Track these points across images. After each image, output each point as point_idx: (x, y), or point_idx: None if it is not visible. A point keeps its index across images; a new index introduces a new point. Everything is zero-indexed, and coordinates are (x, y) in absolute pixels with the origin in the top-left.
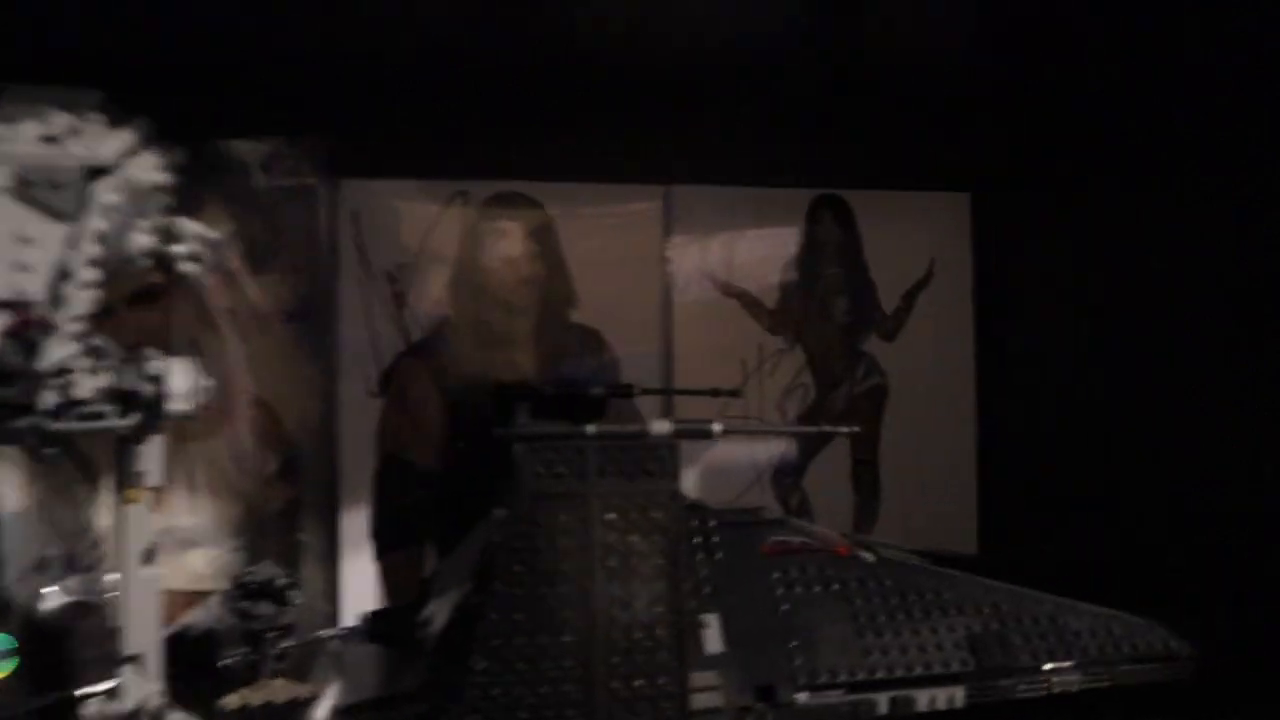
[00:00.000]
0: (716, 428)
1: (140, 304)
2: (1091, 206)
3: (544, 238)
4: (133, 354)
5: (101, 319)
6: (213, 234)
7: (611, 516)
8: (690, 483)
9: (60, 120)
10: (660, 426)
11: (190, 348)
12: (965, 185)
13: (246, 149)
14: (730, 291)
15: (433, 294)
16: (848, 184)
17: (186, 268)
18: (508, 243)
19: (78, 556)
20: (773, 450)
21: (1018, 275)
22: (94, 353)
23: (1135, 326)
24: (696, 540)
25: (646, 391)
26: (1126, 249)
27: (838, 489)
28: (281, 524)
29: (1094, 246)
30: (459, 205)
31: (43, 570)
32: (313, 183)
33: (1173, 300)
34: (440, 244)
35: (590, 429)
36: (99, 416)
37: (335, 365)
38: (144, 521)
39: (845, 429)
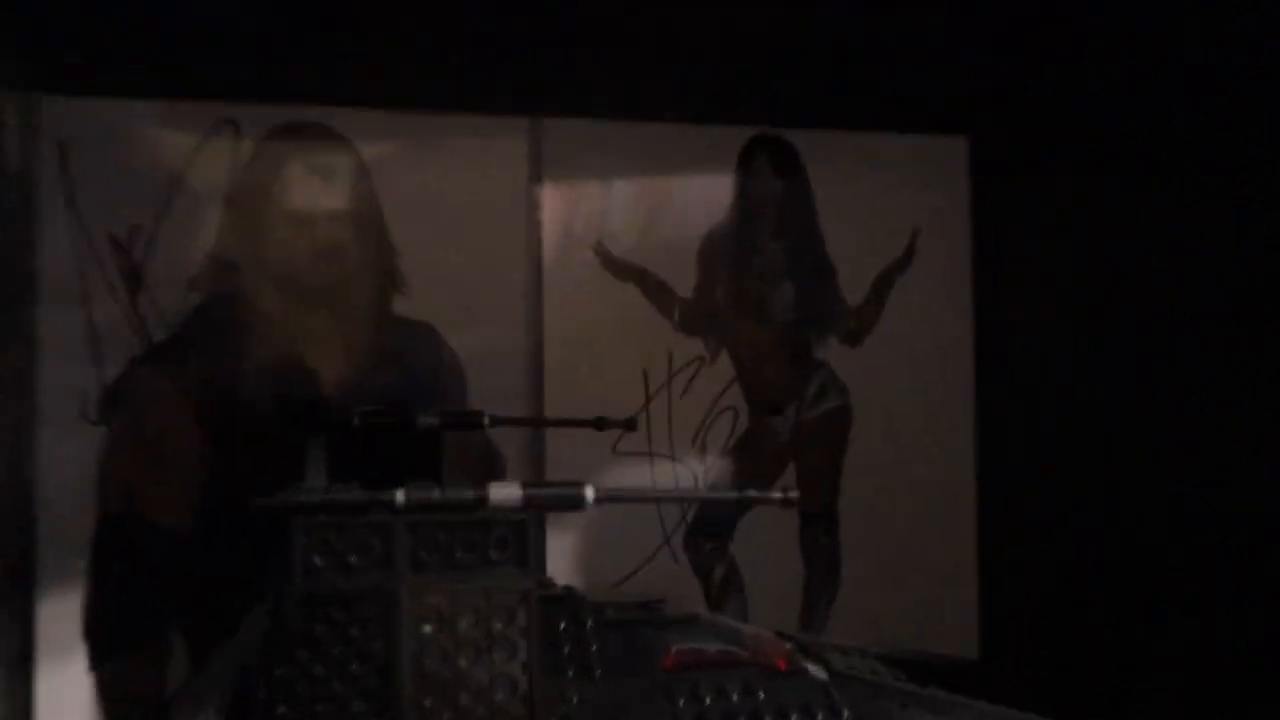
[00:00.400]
0: (589, 494)
1: None
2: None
3: (353, 190)
4: None
5: None
6: None
7: (428, 630)
8: (561, 552)
9: None
10: (504, 492)
11: None
12: (962, 125)
13: None
14: (626, 272)
15: (184, 270)
16: (795, 121)
17: None
18: (298, 195)
19: None
20: (686, 504)
21: (1036, 250)
22: None
23: (1192, 319)
24: (566, 652)
25: (503, 421)
26: (1189, 218)
27: (781, 558)
28: None
29: (1147, 217)
30: (226, 139)
31: None
32: None
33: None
34: (197, 196)
35: (398, 496)
36: None
37: (30, 377)
38: None
39: (780, 494)
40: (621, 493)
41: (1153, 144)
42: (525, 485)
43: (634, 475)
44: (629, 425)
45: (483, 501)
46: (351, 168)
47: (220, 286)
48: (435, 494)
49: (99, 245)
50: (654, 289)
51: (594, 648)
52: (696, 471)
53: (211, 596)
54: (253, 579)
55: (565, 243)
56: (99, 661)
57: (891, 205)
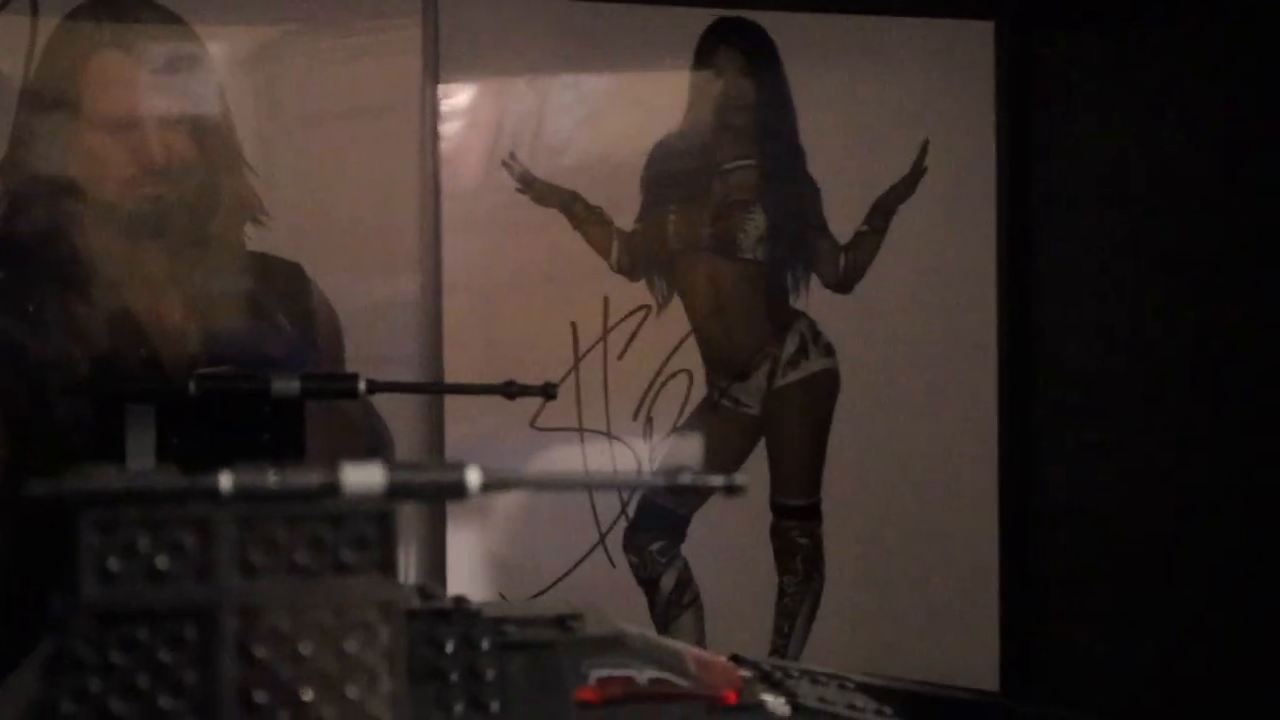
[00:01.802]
0: (472, 478)
1: None
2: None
3: (192, 86)
4: None
5: None
6: None
7: (261, 654)
8: (466, 554)
9: None
10: (361, 475)
11: None
12: (987, 6)
13: None
14: (549, 196)
15: None
16: (768, 3)
17: None
18: (120, 92)
19: None
20: (626, 493)
21: (1081, 170)
22: None
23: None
24: (453, 680)
25: (384, 387)
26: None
27: (747, 562)
28: None
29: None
30: (23, 14)
31: None
32: None
33: None
34: None
35: (223, 481)
36: None
37: None
38: None
39: (722, 479)
40: (515, 478)
41: (1235, 25)
42: (389, 467)
43: (559, 458)
44: (548, 393)
45: (334, 488)
46: (189, 57)
47: (16, 212)
48: (272, 478)
49: None
50: (585, 218)
51: (490, 676)
52: (640, 452)
53: (9, 612)
54: (46, 584)
55: (471, 159)
56: None
57: (893, 112)
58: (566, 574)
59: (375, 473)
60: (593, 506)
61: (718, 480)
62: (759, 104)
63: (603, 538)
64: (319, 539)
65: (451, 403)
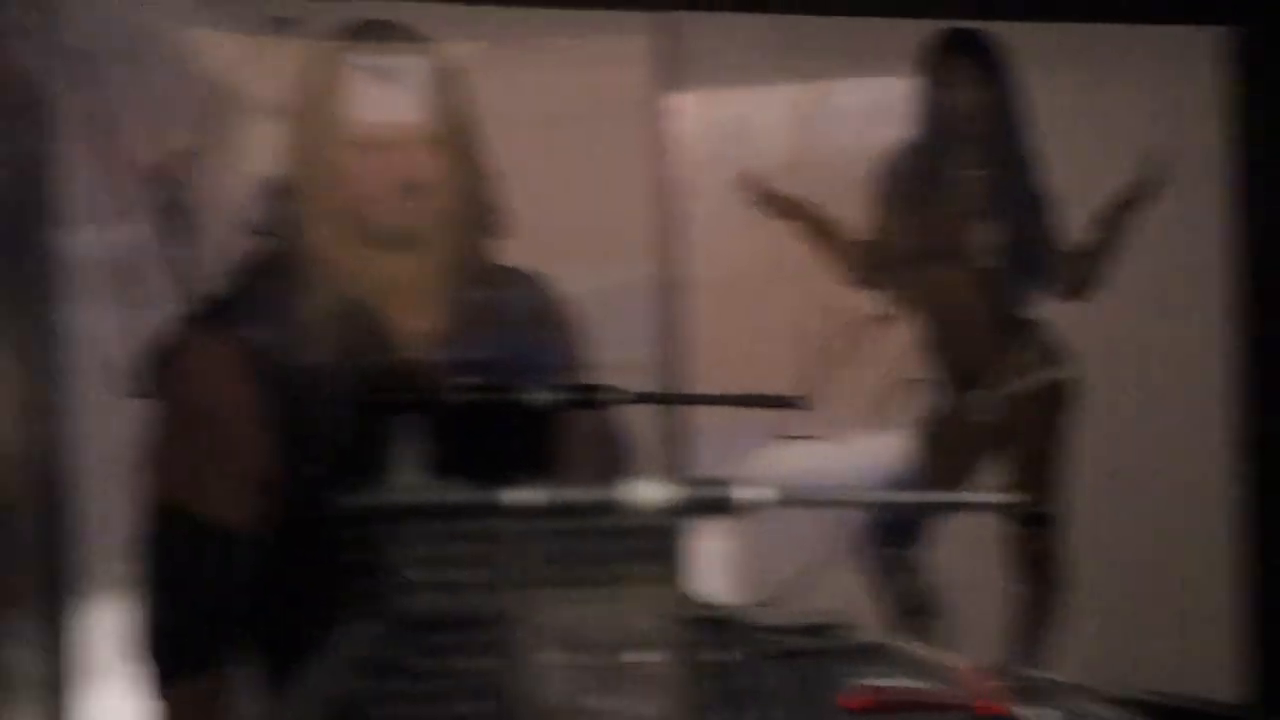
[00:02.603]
0: (756, 495)
1: None
2: None
3: (446, 103)
4: None
5: None
6: None
7: (550, 660)
8: (703, 562)
9: None
10: (644, 491)
11: None
12: (1226, 12)
13: None
14: (781, 207)
15: (233, 206)
16: (1001, 10)
17: None
18: (379, 112)
19: None
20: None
21: None
22: None
23: None
24: (717, 688)
25: (638, 399)
26: None
27: (984, 571)
28: None
29: None
30: (285, 42)
31: None
32: None
33: None
34: (253, 111)
35: (511, 496)
36: None
37: (53, 340)
38: None
39: (1003, 498)
40: (802, 494)
41: None
42: (672, 482)
43: (799, 463)
44: (800, 404)
45: (617, 503)
46: (438, 77)
47: (284, 227)
48: (558, 494)
49: (133, 173)
50: (817, 228)
51: (753, 683)
52: (875, 460)
53: (282, 613)
54: (335, 590)
55: (702, 171)
56: (152, 687)
57: (1126, 118)
58: (802, 582)
59: (658, 488)
60: (830, 513)
61: (1002, 499)
62: (990, 113)
63: (839, 545)
64: (602, 552)
65: (696, 412)
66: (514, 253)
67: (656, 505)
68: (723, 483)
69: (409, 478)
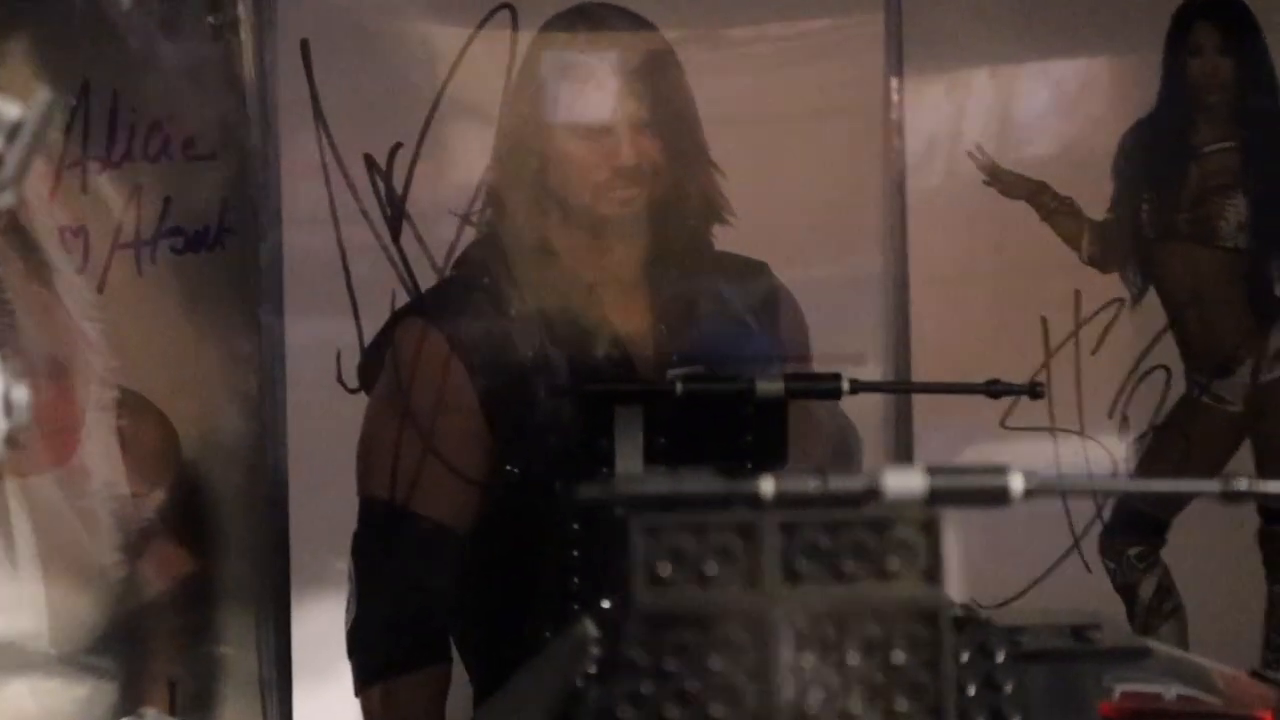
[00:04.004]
0: (1016, 483)
1: None
2: None
3: (662, 88)
4: None
5: None
6: (15, 110)
7: (810, 662)
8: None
9: None
10: (903, 480)
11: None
12: None
13: None
14: (1016, 187)
15: (453, 198)
16: None
17: None
18: (594, 98)
19: None
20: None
21: None
22: None
23: None
24: (970, 693)
25: (866, 387)
26: None
27: (1234, 569)
28: (175, 625)
29: None
30: (500, 32)
31: None
32: None
33: None
34: (468, 101)
35: (765, 486)
36: None
37: (274, 332)
38: None
39: (1249, 488)
40: (1061, 483)
41: None
42: (931, 471)
43: (1030, 457)
44: (1033, 391)
45: (875, 493)
46: (658, 62)
47: (498, 218)
48: (813, 483)
49: (351, 168)
50: (1054, 208)
51: (1009, 688)
52: (1115, 452)
53: (497, 607)
54: (554, 586)
55: (934, 152)
56: (365, 684)
57: None
58: (1039, 579)
59: (917, 477)
60: (1065, 509)
61: (1256, 490)
62: (1239, 82)
63: (1077, 541)
64: (863, 545)
65: (919, 401)
66: (740, 242)
67: (920, 495)
68: (988, 470)
69: (634, 466)
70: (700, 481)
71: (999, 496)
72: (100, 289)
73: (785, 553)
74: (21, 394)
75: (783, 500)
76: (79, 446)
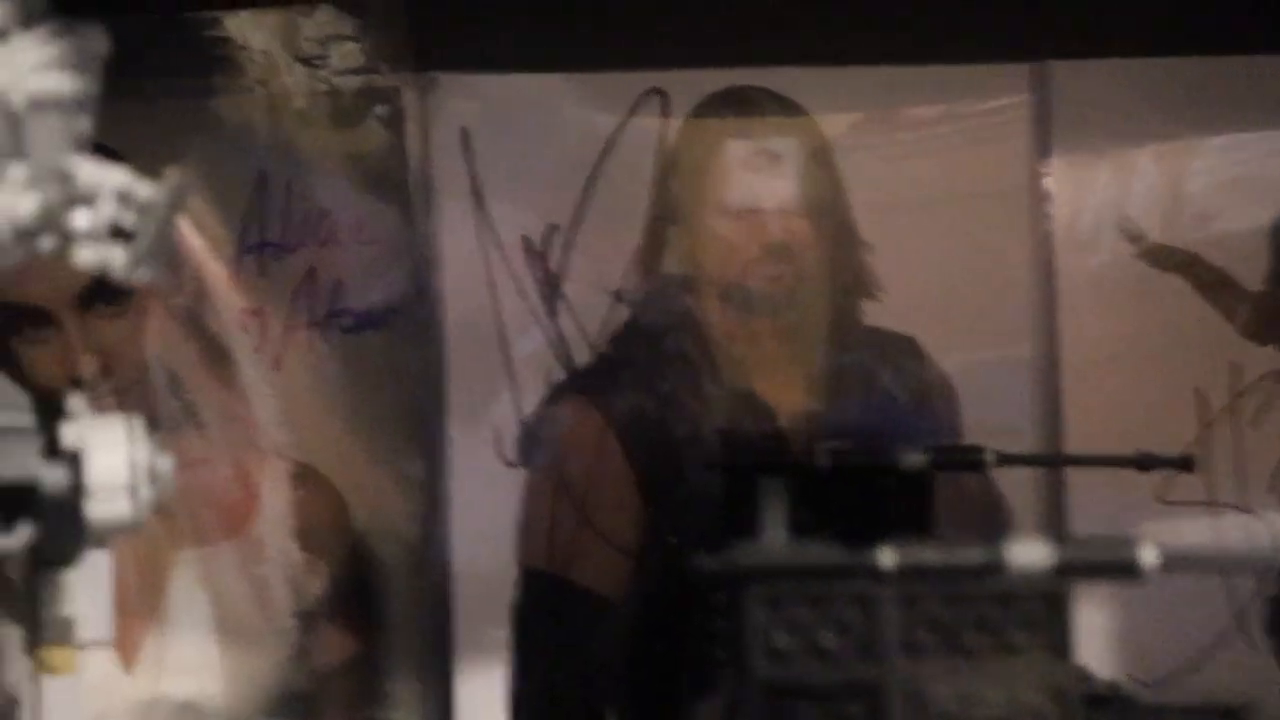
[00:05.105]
0: (1148, 556)
1: (99, 312)
2: None
3: (810, 170)
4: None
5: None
6: (146, 189)
7: None
8: (1081, 634)
9: None
10: (1028, 552)
11: (169, 387)
12: None
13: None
14: (1170, 260)
15: (608, 277)
16: None
17: (91, 254)
18: (747, 179)
19: None
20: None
21: None
22: None
23: None
24: None
25: (1014, 460)
26: None
27: None
28: (345, 695)
29: None
30: (653, 116)
31: None
32: (381, 83)
33: None
34: (622, 185)
35: (885, 557)
36: None
37: (438, 408)
38: (76, 701)
39: None
40: (1196, 556)
41: None
42: (1057, 543)
43: (1189, 532)
44: (1185, 465)
45: (1000, 565)
46: (807, 143)
47: (650, 297)
48: (934, 554)
49: (509, 248)
50: (1209, 281)
51: None
52: (1277, 526)
53: (651, 679)
54: (701, 658)
55: (1083, 227)
56: None
57: None
58: (1198, 657)
59: (1042, 549)
60: (1224, 585)
61: None
62: None
63: (1239, 617)
64: (986, 618)
65: (1072, 475)
66: (889, 318)
67: (1046, 568)
68: (1118, 542)
69: (776, 541)
70: (819, 552)
71: (1129, 569)
72: (277, 367)
73: (904, 625)
74: (165, 464)
75: (904, 571)
76: (256, 518)
